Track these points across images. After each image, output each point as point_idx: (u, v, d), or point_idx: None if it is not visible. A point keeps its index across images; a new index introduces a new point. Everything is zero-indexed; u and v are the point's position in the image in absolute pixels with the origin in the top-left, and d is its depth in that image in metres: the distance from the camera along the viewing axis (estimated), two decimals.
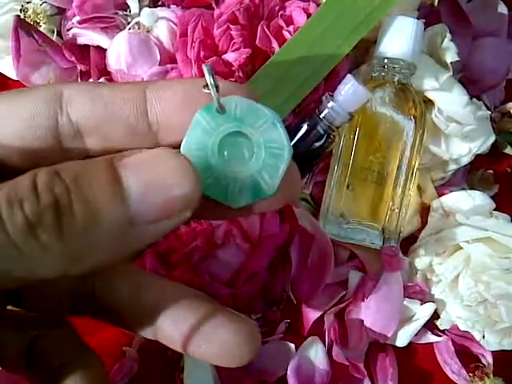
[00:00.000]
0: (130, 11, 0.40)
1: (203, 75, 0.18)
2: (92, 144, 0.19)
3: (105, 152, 0.18)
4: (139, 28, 0.39)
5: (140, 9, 0.39)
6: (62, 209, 0.15)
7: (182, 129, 0.19)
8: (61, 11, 0.41)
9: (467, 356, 0.40)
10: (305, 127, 0.36)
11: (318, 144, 0.36)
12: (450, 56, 0.37)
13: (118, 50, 0.38)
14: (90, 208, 0.16)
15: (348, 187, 0.38)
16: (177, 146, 0.19)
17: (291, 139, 0.36)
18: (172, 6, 0.40)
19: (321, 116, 0.35)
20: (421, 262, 0.39)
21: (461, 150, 0.39)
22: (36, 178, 0.16)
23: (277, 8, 0.37)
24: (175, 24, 0.38)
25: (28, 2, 0.40)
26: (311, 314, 0.38)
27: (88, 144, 0.19)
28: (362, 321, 0.38)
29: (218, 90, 0.18)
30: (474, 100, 0.39)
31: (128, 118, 0.19)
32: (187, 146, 0.19)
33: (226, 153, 0.18)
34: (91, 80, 0.40)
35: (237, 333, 0.20)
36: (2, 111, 0.19)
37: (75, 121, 0.19)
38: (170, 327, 0.20)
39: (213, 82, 0.18)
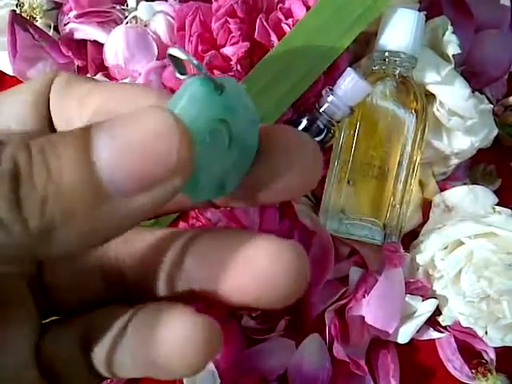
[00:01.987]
0: (127, 5, 0.39)
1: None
2: None
3: None
4: (136, 22, 0.38)
5: (137, 3, 0.39)
6: (21, 178, 0.13)
7: None
8: (57, 6, 0.41)
9: (470, 352, 0.39)
10: (304, 122, 0.35)
11: (317, 139, 0.36)
12: (452, 49, 0.37)
13: (116, 44, 0.38)
14: (51, 178, 0.13)
15: (348, 182, 0.38)
16: None
17: None
18: None
19: (321, 110, 0.35)
20: (422, 257, 0.39)
21: (463, 144, 0.39)
22: (2, 147, 0.13)
23: (276, 1, 0.36)
24: (173, 18, 0.38)
25: None
26: (312, 311, 0.38)
27: None
28: (363, 317, 0.38)
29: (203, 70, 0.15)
30: (476, 93, 0.39)
31: None
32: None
33: (208, 138, 0.15)
34: (88, 75, 0.39)
35: (278, 256, 0.16)
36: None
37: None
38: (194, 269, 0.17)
39: (195, 62, 0.15)
